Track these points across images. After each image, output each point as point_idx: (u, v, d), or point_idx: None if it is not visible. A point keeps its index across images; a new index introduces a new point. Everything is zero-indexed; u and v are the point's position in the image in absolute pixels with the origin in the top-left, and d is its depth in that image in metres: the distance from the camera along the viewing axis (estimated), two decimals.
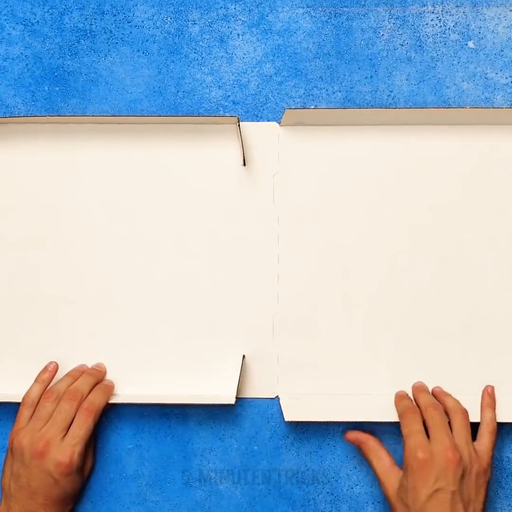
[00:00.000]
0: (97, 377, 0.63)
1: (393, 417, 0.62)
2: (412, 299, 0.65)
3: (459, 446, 0.58)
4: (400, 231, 0.65)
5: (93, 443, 0.64)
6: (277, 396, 0.64)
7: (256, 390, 0.64)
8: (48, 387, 0.62)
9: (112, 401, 0.62)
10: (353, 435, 0.62)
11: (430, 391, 0.63)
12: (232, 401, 0.61)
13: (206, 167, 0.65)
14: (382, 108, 0.65)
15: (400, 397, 0.62)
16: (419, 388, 0.63)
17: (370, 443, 0.61)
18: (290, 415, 0.61)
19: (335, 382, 0.64)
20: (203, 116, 0.65)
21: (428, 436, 0.58)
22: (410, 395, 0.63)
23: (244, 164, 0.64)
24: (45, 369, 0.63)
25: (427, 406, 0.60)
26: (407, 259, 0.65)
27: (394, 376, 0.64)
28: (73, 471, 0.59)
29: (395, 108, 0.65)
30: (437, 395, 0.63)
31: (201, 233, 0.65)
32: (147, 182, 0.65)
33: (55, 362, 0.64)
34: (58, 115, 0.65)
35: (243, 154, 0.63)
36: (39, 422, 0.60)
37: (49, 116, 0.65)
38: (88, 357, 0.65)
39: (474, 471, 0.57)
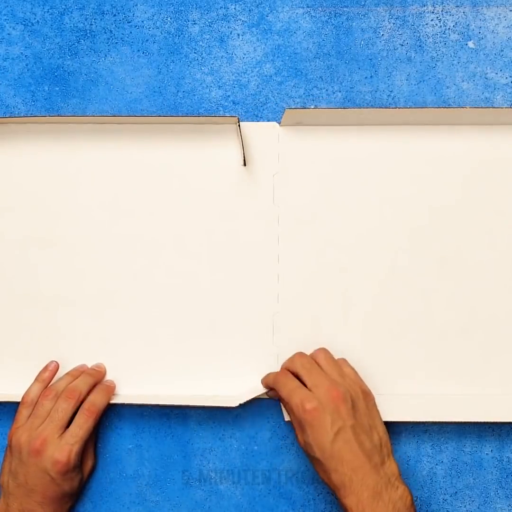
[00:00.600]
0: (96, 377, 0.63)
1: (393, 417, 0.62)
2: (412, 299, 0.64)
3: (336, 381, 0.58)
4: (400, 231, 0.65)
5: (94, 443, 0.64)
6: None
7: (256, 390, 0.64)
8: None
9: (112, 401, 0.62)
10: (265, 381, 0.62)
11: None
12: (234, 404, 0.61)
13: (206, 167, 0.65)
14: (382, 108, 0.65)
15: (266, 375, 0.62)
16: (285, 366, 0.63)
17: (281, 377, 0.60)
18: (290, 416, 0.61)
19: None
20: (203, 116, 0.65)
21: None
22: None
23: (245, 164, 0.64)
24: (46, 368, 0.63)
25: (294, 361, 0.60)
26: (407, 259, 0.65)
27: (394, 376, 0.64)
28: (70, 469, 0.59)
29: (395, 108, 0.65)
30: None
31: (201, 233, 0.65)
32: (147, 182, 0.65)
33: (56, 362, 0.64)
34: (58, 115, 0.65)
35: (244, 154, 0.63)
36: (37, 420, 0.60)
37: (49, 116, 0.65)
38: (88, 357, 0.65)
39: (361, 397, 0.58)
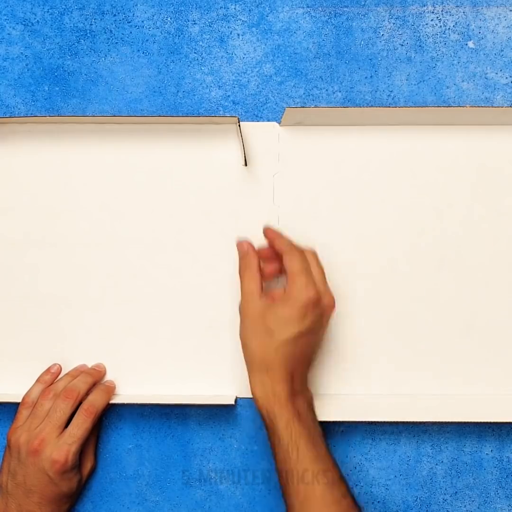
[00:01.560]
0: (96, 377, 0.63)
1: (393, 417, 0.62)
2: (412, 299, 0.64)
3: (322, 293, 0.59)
4: (400, 231, 0.65)
5: (95, 444, 0.64)
6: None
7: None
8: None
9: (112, 401, 0.62)
10: (241, 244, 0.61)
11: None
12: (231, 401, 0.61)
13: (206, 167, 0.65)
14: (382, 107, 0.65)
15: (277, 236, 0.62)
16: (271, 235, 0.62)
17: (249, 258, 0.60)
18: None
19: (335, 382, 0.64)
20: (203, 116, 0.65)
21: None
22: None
23: (246, 164, 0.64)
24: (48, 370, 0.63)
25: (284, 248, 0.60)
26: (407, 260, 0.65)
27: (394, 376, 0.64)
28: (68, 469, 0.59)
29: (395, 107, 0.65)
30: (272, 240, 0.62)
31: (201, 233, 0.65)
32: (147, 182, 0.65)
33: (59, 365, 0.64)
34: (58, 115, 0.65)
35: (244, 154, 0.63)
36: (36, 420, 0.60)
37: (49, 116, 0.65)
38: (88, 357, 0.65)
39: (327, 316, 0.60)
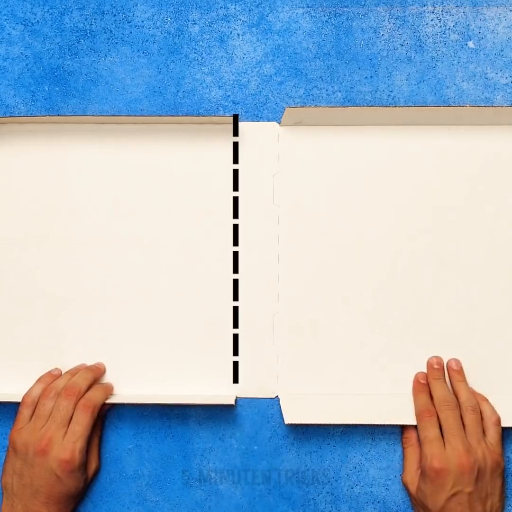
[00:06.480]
0: (96, 373, 0.63)
1: (393, 419, 0.62)
2: (412, 299, 0.64)
3: (472, 447, 0.59)
4: (401, 230, 0.65)
5: (99, 444, 0.64)
6: (277, 396, 0.64)
7: (256, 390, 0.64)
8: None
9: (112, 401, 0.62)
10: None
11: (445, 363, 0.64)
12: (231, 401, 0.61)
13: (205, 167, 0.65)
14: (382, 107, 0.65)
15: (418, 390, 0.63)
16: (434, 373, 0.63)
17: (414, 436, 0.62)
18: (290, 418, 0.61)
19: (335, 382, 0.64)
20: (202, 116, 0.65)
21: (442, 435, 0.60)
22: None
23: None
24: (49, 372, 0.63)
25: (441, 405, 0.61)
26: (407, 259, 0.65)
27: (394, 376, 0.64)
28: (75, 467, 0.59)
29: (395, 107, 0.65)
30: (452, 381, 0.63)
31: (201, 232, 0.65)
32: (146, 182, 0.65)
33: (60, 369, 0.64)
34: (58, 115, 0.65)
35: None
36: (40, 420, 0.60)
37: (49, 116, 0.65)
38: (88, 357, 0.65)
39: (488, 468, 0.59)
